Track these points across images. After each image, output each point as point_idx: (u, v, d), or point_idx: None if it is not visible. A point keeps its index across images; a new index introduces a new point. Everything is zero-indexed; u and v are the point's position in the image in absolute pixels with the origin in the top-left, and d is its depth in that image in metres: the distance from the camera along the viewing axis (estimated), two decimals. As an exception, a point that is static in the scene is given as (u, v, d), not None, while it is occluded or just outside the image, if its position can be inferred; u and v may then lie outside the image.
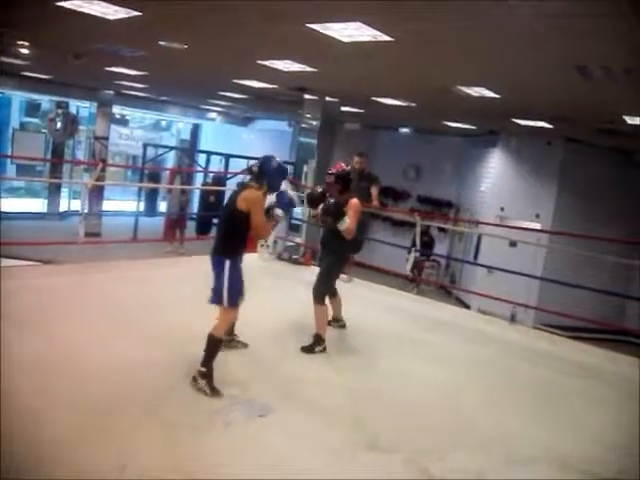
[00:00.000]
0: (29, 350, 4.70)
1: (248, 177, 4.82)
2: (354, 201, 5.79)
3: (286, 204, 4.98)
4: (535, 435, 4.44)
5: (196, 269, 6.33)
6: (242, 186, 4.74)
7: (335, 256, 6.01)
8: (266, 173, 4.77)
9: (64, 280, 6.89)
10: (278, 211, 4.90)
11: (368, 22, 5.59)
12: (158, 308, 6.13)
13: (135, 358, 4.88)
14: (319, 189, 6.00)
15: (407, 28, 5.69)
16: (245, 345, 5.44)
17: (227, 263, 4.62)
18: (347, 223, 5.64)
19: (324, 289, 5.90)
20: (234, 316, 4.86)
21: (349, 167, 6.11)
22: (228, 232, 4.74)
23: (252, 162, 4.94)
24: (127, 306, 6.11)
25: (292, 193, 5.16)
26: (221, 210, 5.00)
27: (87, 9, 6.46)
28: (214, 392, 4.43)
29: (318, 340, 5.66)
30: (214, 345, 4.57)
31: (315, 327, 5.72)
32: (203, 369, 4.49)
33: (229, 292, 4.61)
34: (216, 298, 4.64)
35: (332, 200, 5.74)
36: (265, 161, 4.81)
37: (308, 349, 5.60)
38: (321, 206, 5.78)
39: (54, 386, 4.20)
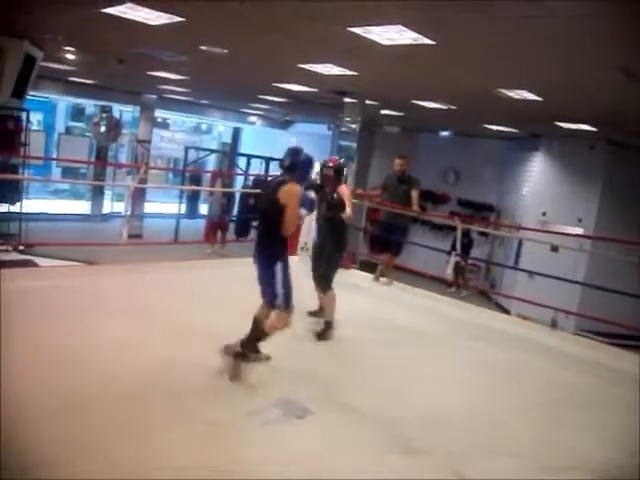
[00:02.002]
0: (67, 347, 4.80)
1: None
2: (342, 187, 6.18)
3: (309, 204, 4.99)
4: (572, 443, 4.36)
5: (236, 271, 6.42)
6: (278, 182, 4.72)
7: (336, 247, 6.30)
8: (296, 166, 4.82)
9: (106, 280, 7.01)
10: (302, 211, 4.88)
11: (409, 25, 5.59)
12: (198, 308, 6.20)
13: (174, 357, 4.93)
14: (317, 181, 6.37)
15: (448, 31, 5.67)
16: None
17: (279, 265, 4.61)
18: (348, 212, 6.06)
19: (329, 280, 6.17)
20: (289, 319, 4.71)
21: (342, 160, 6.42)
22: (275, 230, 4.63)
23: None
24: (166, 306, 6.19)
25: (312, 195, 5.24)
26: (260, 211, 5.00)
27: (130, 15, 6.58)
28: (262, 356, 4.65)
29: (330, 325, 5.96)
30: (259, 335, 4.65)
31: (326, 315, 6.09)
32: (241, 351, 4.59)
33: (285, 295, 4.61)
34: (272, 300, 4.64)
35: (332, 194, 6.13)
36: (293, 154, 4.89)
37: (322, 336, 5.91)
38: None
39: (92, 383, 4.27)
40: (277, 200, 4.57)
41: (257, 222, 5.04)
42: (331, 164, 6.28)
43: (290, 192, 4.58)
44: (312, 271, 6.42)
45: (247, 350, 4.61)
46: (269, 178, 6.99)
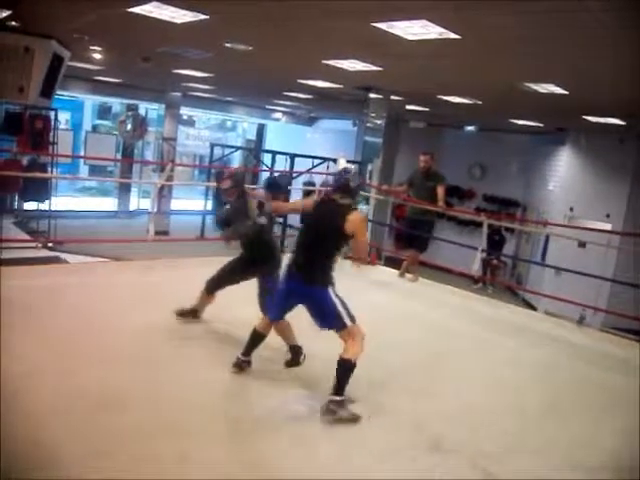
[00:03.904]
0: (97, 342, 4.88)
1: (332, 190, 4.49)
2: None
3: None
4: (602, 442, 4.32)
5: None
6: (337, 205, 4.41)
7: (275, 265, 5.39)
8: (355, 190, 4.55)
9: (133, 276, 7.09)
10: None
11: (434, 19, 5.56)
12: (222, 305, 6.23)
13: (201, 354, 4.98)
14: (230, 208, 5.44)
15: (473, 25, 5.63)
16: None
17: (330, 291, 4.36)
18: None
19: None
20: (363, 332, 4.34)
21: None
22: (328, 256, 4.43)
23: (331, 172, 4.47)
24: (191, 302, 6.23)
25: None
26: (308, 230, 4.52)
27: (156, 14, 6.63)
28: (355, 417, 4.14)
29: (298, 351, 4.90)
30: (350, 370, 4.17)
31: (289, 341, 4.89)
32: (338, 398, 4.12)
33: (346, 311, 4.32)
34: (337, 324, 4.30)
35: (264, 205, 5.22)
36: (354, 177, 4.54)
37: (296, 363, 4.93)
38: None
39: (119, 378, 4.33)
40: (339, 226, 4.31)
41: (302, 239, 4.51)
42: (227, 176, 5.51)
43: (358, 221, 4.39)
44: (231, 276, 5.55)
45: (341, 394, 4.15)
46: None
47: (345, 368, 4.16)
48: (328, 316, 4.35)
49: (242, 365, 4.68)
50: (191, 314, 5.75)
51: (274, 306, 4.68)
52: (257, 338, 4.68)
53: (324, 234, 4.43)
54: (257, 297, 5.32)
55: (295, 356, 4.84)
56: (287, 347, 4.84)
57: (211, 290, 5.64)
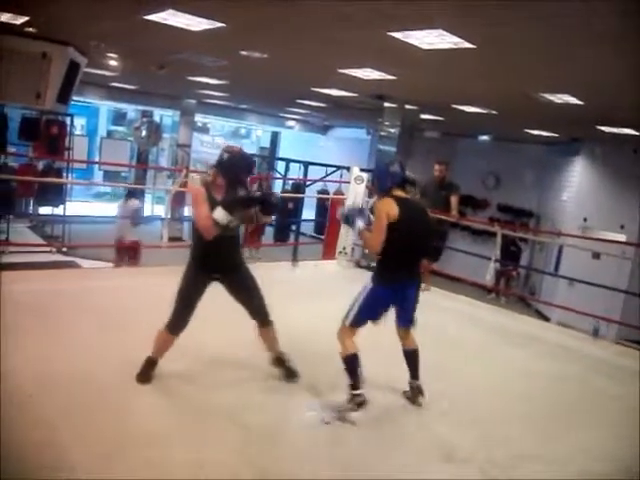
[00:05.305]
0: (110, 346, 4.90)
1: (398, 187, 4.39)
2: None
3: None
4: (614, 452, 4.30)
5: (268, 274, 6.41)
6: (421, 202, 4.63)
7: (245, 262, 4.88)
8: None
9: (147, 281, 7.11)
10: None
11: (449, 29, 5.56)
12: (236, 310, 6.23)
13: (213, 360, 4.99)
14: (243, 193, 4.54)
15: (489, 34, 5.63)
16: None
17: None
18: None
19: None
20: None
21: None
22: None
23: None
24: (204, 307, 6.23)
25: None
26: (414, 228, 4.35)
27: (172, 21, 6.67)
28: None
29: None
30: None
31: (274, 351, 4.81)
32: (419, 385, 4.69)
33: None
34: (413, 319, 4.67)
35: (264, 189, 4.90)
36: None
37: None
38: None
39: (127, 382, 4.36)
40: (430, 220, 4.66)
41: (409, 246, 4.42)
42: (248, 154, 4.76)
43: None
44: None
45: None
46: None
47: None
48: (413, 309, 4.65)
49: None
50: None
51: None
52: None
53: (427, 231, 4.63)
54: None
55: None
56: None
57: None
